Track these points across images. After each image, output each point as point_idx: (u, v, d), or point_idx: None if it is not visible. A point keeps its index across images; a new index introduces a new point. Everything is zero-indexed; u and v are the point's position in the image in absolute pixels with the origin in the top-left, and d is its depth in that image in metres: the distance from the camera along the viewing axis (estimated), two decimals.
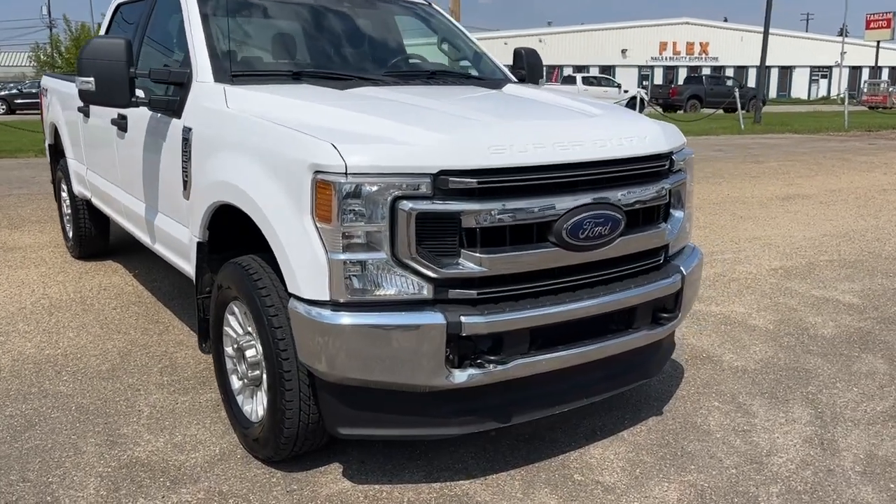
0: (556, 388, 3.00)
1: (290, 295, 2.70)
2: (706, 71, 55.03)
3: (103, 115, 4.54)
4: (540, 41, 59.32)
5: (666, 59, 62.36)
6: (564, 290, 2.86)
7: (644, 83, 55.43)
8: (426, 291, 2.64)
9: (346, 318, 2.58)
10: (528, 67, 4.65)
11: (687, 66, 60.46)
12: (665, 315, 3.17)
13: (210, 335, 3.38)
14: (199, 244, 3.36)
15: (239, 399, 3.23)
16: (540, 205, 2.70)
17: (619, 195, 2.89)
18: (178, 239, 3.73)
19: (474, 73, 4.34)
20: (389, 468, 3.08)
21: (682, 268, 3.23)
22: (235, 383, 3.24)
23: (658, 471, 3.08)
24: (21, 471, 3.06)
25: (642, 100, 29.67)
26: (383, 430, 2.79)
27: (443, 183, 2.57)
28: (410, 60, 4.28)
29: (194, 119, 3.42)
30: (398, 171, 2.55)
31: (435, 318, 2.60)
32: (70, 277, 5.88)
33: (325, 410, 2.80)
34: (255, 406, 3.11)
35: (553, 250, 2.75)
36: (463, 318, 2.61)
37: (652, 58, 61.97)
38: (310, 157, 2.58)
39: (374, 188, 2.53)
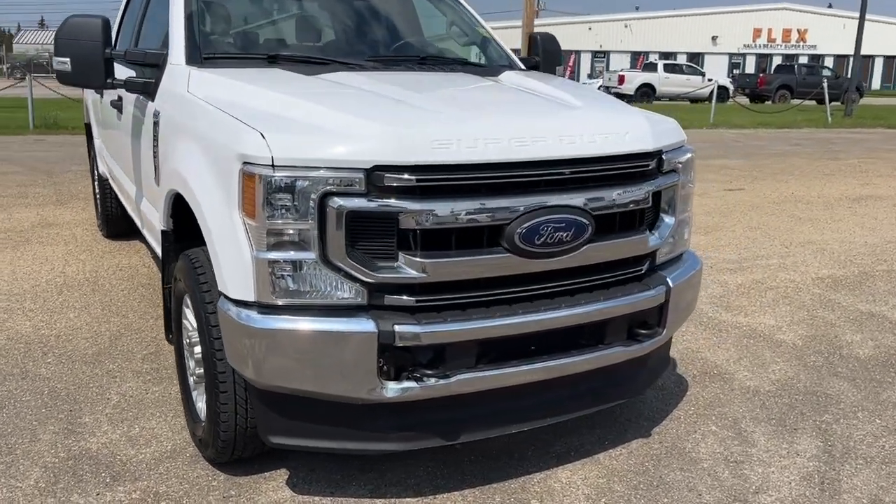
0: (514, 404, 2.75)
1: (220, 293, 2.54)
2: (803, 60, 52.51)
3: (112, 96, 4.50)
4: (626, 27, 57.82)
5: (759, 46, 59.71)
6: (521, 301, 2.61)
7: (734, 72, 53.28)
8: (360, 297, 2.43)
9: (271, 322, 2.40)
10: (543, 54, 4.35)
11: (782, 55, 57.79)
12: (644, 331, 2.86)
13: (173, 326, 3.28)
14: (163, 232, 3.26)
15: (194, 395, 3.11)
16: (489, 207, 2.44)
17: (587, 198, 2.60)
18: (154, 225, 3.64)
19: (475, 58, 4.08)
20: (337, 479, 2.90)
21: (668, 279, 2.92)
22: (190, 378, 3.13)
23: (626, 502, 2.79)
24: None
25: (725, 89, 28.49)
26: (316, 441, 2.61)
27: (378, 179, 2.35)
28: (413, 45, 4.04)
29: (163, 103, 3.30)
30: (329, 165, 2.34)
31: (365, 325, 2.39)
32: (92, 256, 5.94)
33: (257, 417, 2.64)
34: (204, 404, 2.98)
35: (505, 257, 2.50)
36: (397, 327, 2.40)
37: (744, 45, 59.44)
38: (238, 146, 2.41)
39: (302, 182, 2.33)
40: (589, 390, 2.90)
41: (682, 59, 48.69)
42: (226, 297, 2.51)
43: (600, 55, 57.55)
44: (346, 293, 2.42)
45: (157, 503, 2.74)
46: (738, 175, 10.73)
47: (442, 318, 2.46)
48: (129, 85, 3.48)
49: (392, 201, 2.36)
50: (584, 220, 2.58)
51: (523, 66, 4.11)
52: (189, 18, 3.48)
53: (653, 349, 2.97)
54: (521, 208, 2.48)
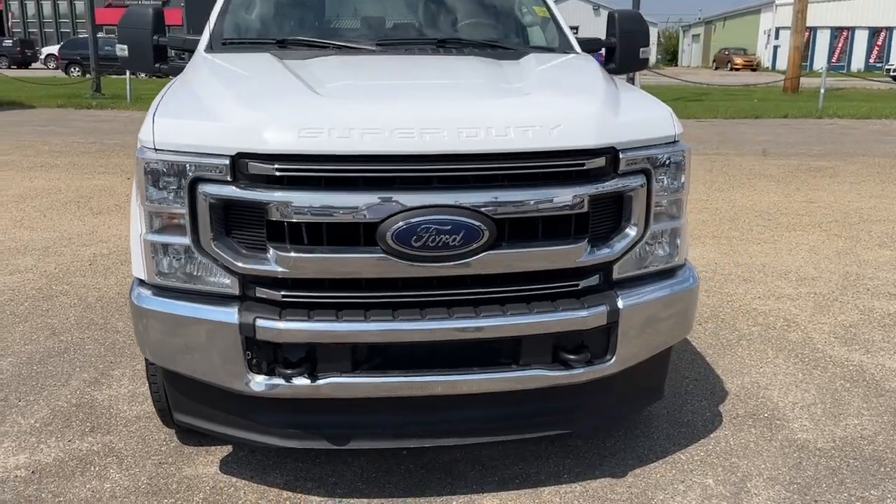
0: (414, 419, 2.54)
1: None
2: None
3: None
4: None
5: None
6: (409, 307, 2.39)
7: None
8: (233, 286, 2.40)
9: (150, 303, 2.47)
10: (620, 35, 3.86)
11: None
12: (573, 357, 2.47)
13: None
14: None
15: None
16: (359, 203, 2.26)
17: (485, 200, 2.29)
18: None
19: (519, 40, 3.76)
20: (269, 464, 2.91)
21: (619, 299, 2.48)
22: None
23: None
24: (12, 391, 3.50)
25: None
26: (211, 425, 2.63)
27: (243, 167, 2.29)
28: (444, 27, 3.80)
29: None
30: (198, 150, 2.33)
31: (227, 316, 2.36)
32: None
33: (168, 394, 2.74)
34: None
35: (380, 258, 2.30)
36: (258, 321, 2.33)
37: None
38: (141, 129, 2.49)
39: (176, 167, 2.35)
40: (511, 415, 2.58)
41: None
42: (136, 276, 2.61)
43: None
44: (221, 281, 2.40)
45: (106, 457, 2.96)
46: None
47: (308, 316, 2.34)
48: (171, 70, 3.73)
49: (257, 191, 2.29)
50: (478, 225, 2.28)
51: (578, 50, 3.69)
52: (226, 3, 3.64)
53: (601, 377, 2.55)
54: (396, 206, 2.26)
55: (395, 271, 2.32)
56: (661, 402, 3.34)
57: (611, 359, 2.53)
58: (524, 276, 2.43)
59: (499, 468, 2.88)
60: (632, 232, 2.51)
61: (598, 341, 2.52)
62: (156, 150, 2.38)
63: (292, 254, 2.30)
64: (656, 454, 2.98)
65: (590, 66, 3.23)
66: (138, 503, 2.68)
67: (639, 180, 2.48)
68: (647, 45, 3.99)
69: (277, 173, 2.26)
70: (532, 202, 2.33)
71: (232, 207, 2.34)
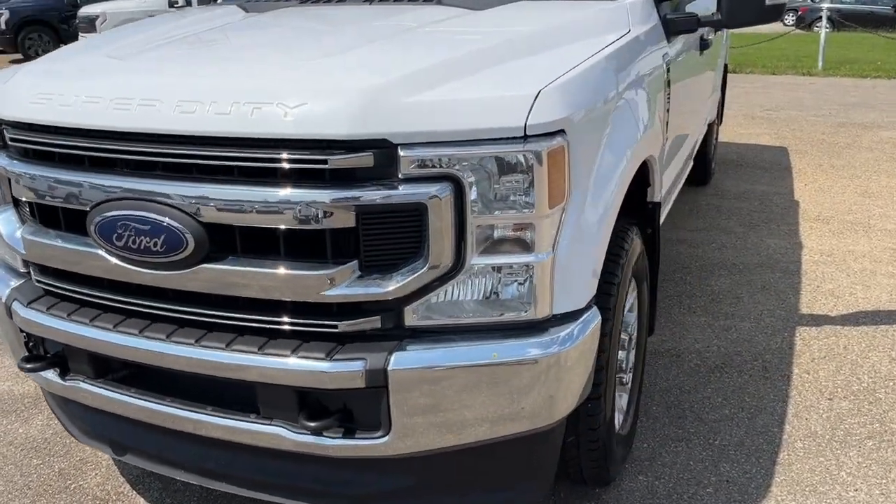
0: (186, 451, 2.11)
1: None
2: None
3: None
4: None
5: None
6: (139, 317, 1.95)
7: None
8: (17, 262, 2.22)
9: None
10: None
11: None
12: (315, 423, 1.78)
13: None
14: None
15: None
16: (67, 184, 1.89)
17: (194, 197, 1.73)
18: None
19: None
20: None
21: (393, 357, 1.73)
22: None
23: None
24: None
25: None
26: (52, 405, 2.50)
27: (3, 134, 2.08)
28: None
29: None
30: None
31: (2, 292, 2.19)
32: None
33: None
34: None
35: (91, 253, 1.91)
36: (14, 305, 2.13)
37: None
38: None
39: None
40: (288, 474, 1.99)
41: None
42: None
43: None
44: (7, 255, 2.24)
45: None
46: None
47: (46, 308, 2.06)
48: None
49: (7, 161, 2.06)
50: (182, 228, 1.74)
51: None
52: None
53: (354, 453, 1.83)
54: (100, 194, 1.83)
55: (114, 271, 1.91)
56: None
57: (383, 436, 1.79)
58: (268, 305, 1.81)
59: None
60: (423, 263, 1.71)
61: (367, 409, 1.80)
62: None
63: (24, 235, 2.04)
64: None
65: (546, 18, 2.29)
66: (16, 454, 2.74)
67: (436, 189, 1.66)
68: None
69: (12, 143, 2.01)
70: (252, 206, 1.70)
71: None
